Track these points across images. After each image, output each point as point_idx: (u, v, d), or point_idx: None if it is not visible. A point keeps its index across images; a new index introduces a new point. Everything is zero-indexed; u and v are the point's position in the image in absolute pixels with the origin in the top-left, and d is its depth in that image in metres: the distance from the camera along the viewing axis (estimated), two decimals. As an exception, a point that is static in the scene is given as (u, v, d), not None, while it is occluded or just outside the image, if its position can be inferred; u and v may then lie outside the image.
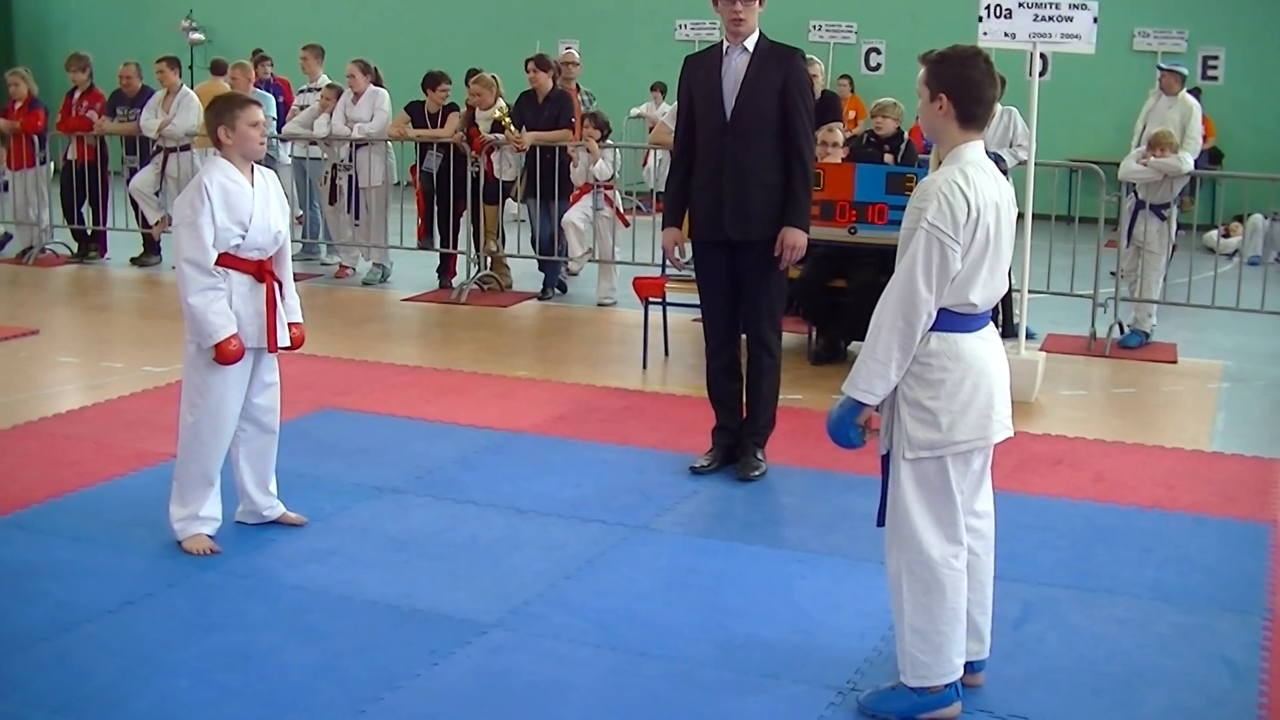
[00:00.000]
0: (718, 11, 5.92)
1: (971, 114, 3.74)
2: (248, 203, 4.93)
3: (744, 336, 6.19)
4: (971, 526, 3.86)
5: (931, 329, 3.68)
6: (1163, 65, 9.94)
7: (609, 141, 10.62)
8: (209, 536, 5.04)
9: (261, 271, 5.02)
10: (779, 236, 5.86)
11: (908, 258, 3.64)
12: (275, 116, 12.76)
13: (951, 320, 3.70)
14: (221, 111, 4.97)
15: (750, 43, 5.90)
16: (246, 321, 4.98)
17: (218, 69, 13.20)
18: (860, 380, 3.71)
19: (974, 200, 3.62)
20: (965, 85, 3.72)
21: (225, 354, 4.89)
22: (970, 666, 3.96)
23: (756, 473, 6.05)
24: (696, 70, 6.07)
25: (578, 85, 11.52)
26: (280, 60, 14.93)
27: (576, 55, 11.76)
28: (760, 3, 5.87)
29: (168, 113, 11.90)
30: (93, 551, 5.02)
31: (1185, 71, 9.77)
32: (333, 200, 11.77)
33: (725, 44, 5.96)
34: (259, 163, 5.09)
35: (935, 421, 3.70)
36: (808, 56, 6.14)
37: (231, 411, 5.05)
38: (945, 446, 3.71)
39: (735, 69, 5.90)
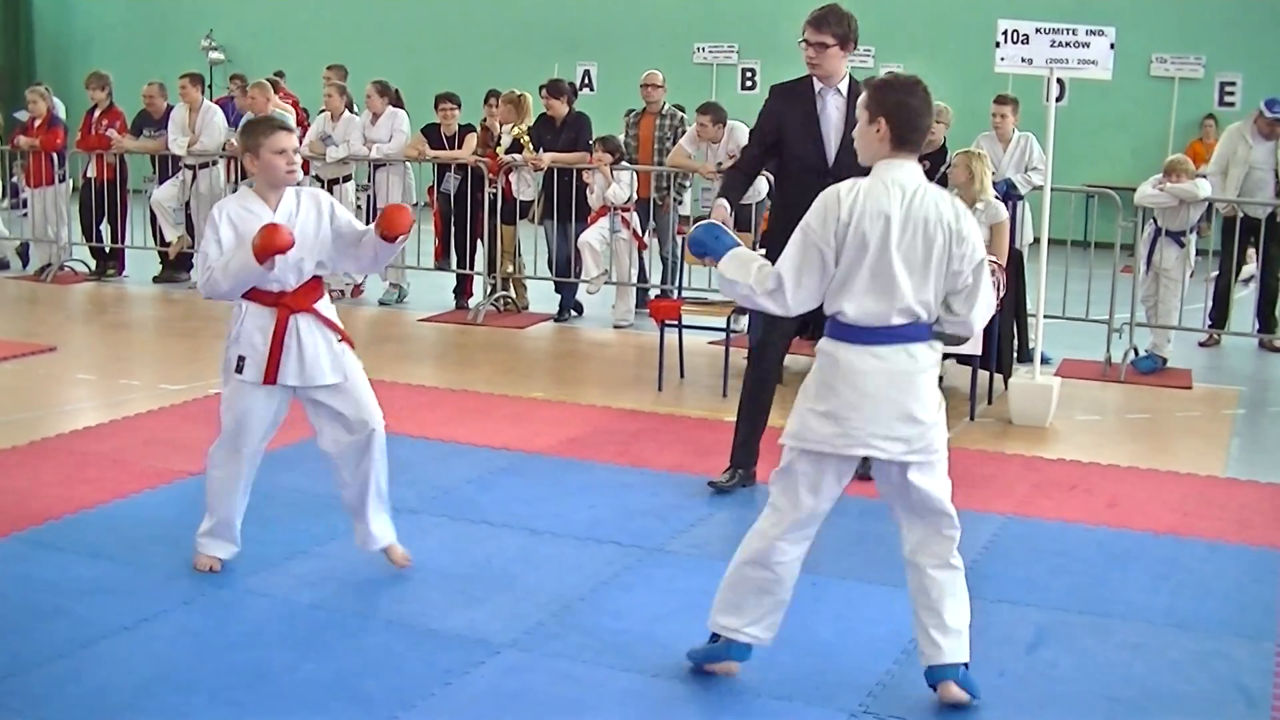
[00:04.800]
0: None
1: (906, 139, 3.87)
2: None
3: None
4: (908, 539, 4.01)
5: (825, 333, 3.96)
6: (1274, 112, 9.80)
7: (624, 164, 10.63)
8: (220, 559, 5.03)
9: (279, 304, 4.79)
10: None
11: (788, 247, 3.90)
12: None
13: (836, 328, 3.93)
14: (247, 137, 4.79)
15: (844, 85, 5.95)
16: (264, 356, 4.79)
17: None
18: (729, 271, 3.99)
19: (850, 207, 3.78)
20: (904, 111, 3.85)
21: (273, 238, 4.51)
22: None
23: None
24: (789, 104, 6.04)
25: (663, 106, 11.12)
26: (300, 80, 15.02)
27: (659, 79, 11.13)
28: (843, 48, 5.86)
29: (194, 130, 11.97)
30: (110, 568, 5.05)
31: None
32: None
33: (817, 84, 5.97)
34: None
35: (799, 413, 3.94)
36: None
37: (252, 452, 4.91)
38: (799, 440, 3.93)
39: (831, 112, 5.94)
